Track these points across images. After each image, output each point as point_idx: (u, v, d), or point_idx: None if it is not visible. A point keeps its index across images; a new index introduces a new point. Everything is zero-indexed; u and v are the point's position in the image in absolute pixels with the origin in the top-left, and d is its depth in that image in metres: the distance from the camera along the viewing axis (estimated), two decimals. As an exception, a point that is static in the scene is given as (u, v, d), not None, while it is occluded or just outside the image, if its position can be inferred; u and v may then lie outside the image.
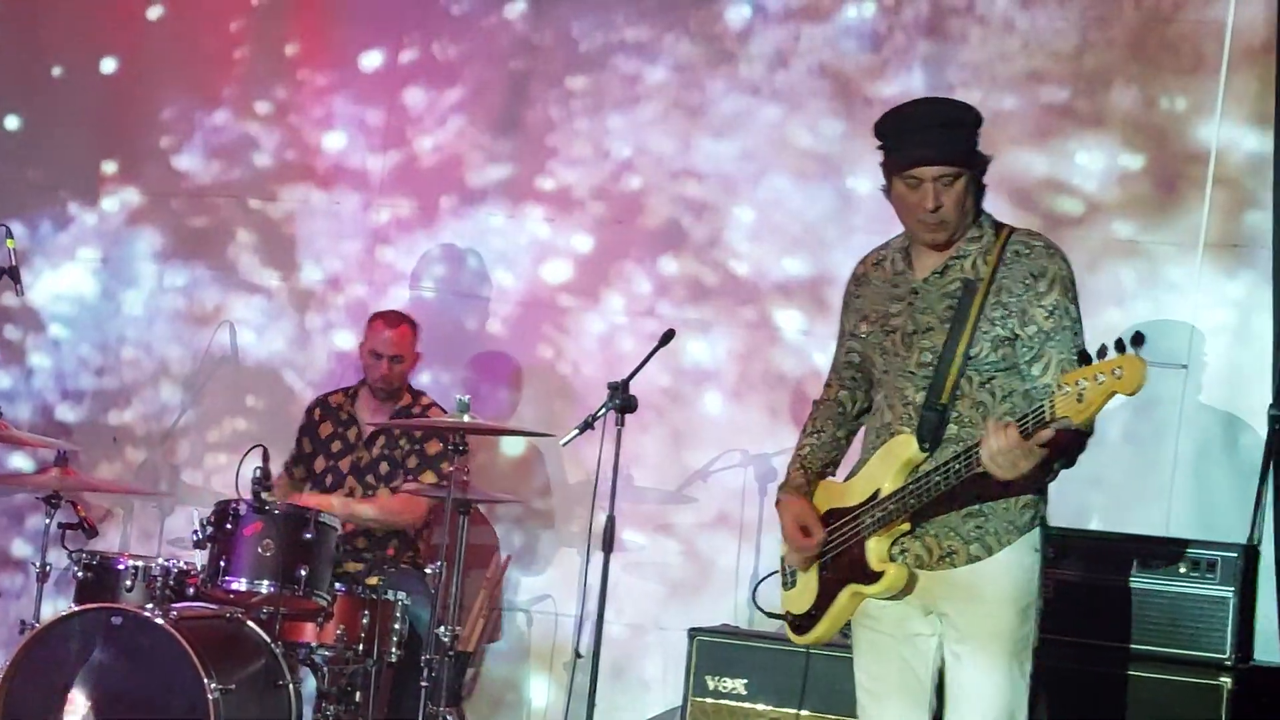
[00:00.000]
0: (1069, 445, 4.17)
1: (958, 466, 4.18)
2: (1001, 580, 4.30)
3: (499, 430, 7.15)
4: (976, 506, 4.30)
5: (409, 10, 7.63)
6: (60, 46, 8.13)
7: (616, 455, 5.92)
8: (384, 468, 6.96)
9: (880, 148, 4.40)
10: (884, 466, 4.36)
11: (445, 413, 6.99)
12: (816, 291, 6.90)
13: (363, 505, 6.82)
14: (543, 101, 7.40)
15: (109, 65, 8.08)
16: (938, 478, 4.21)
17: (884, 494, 4.32)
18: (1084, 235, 6.59)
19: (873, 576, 4.35)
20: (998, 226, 4.43)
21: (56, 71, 8.17)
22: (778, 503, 4.59)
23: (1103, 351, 3.90)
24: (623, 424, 5.95)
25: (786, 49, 7.05)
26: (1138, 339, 3.87)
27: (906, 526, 4.34)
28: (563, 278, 7.38)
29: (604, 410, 6.00)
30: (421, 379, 7.38)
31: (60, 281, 8.08)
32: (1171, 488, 6.41)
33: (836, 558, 4.45)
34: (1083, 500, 6.40)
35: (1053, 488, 6.31)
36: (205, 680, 5.83)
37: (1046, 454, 4.08)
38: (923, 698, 4.42)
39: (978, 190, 4.38)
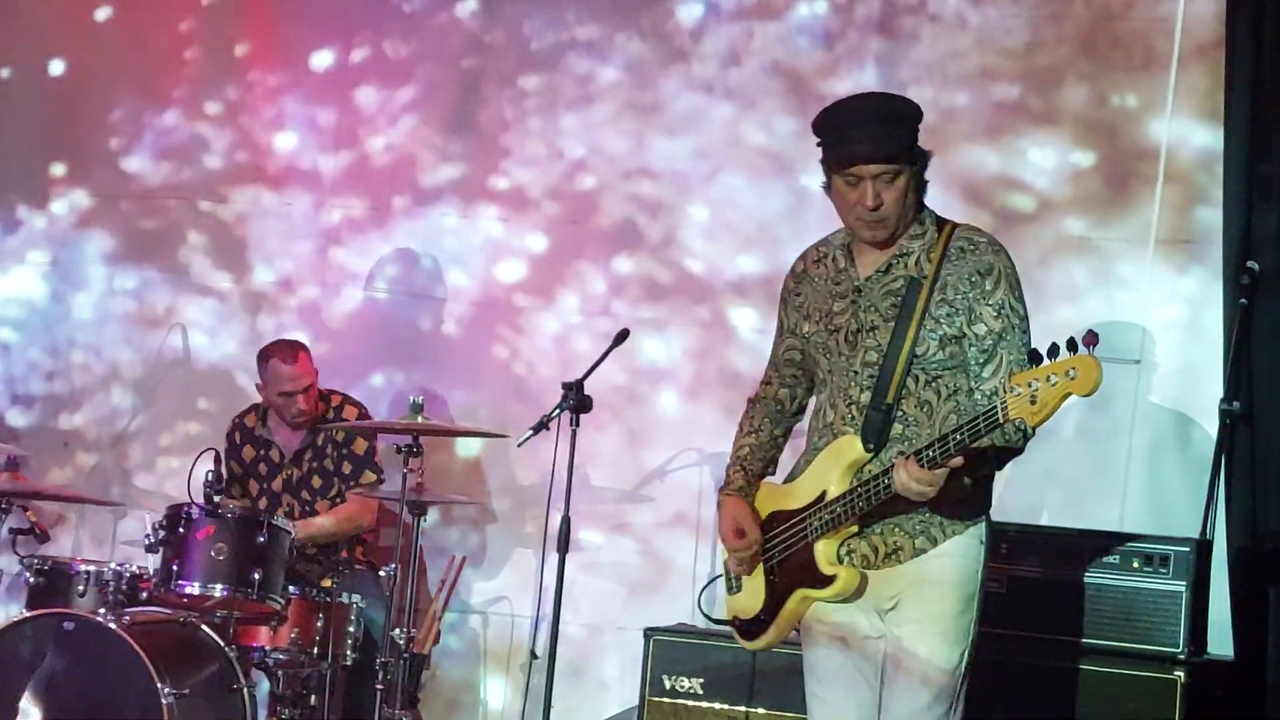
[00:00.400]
0: (999, 459, 4.23)
1: (886, 482, 4.17)
2: (946, 567, 4.28)
3: (453, 431, 7.13)
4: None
5: (360, 9, 7.60)
6: (8, 49, 8.07)
7: (571, 455, 5.90)
8: (317, 481, 6.92)
9: (819, 144, 4.34)
10: (829, 468, 4.32)
11: (359, 406, 6.96)
12: (771, 289, 6.83)
13: (318, 521, 6.77)
14: (495, 101, 7.39)
15: (57, 67, 8.02)
16: (887, 480, 4.18)
17: (831, 496, 4.29)
18: (1036, 232, 6.61)
19: (824, 580, 4.32)
20: (940, 223, 4.38)
21: (4, 74, 8.11)
22: (718, 504, 4.56)
23: (1054, 351, 3.87)
24: (578, 424, 5.93)
25: (739, 47, 7.05)
26: (1091, 338, 3.84)
27: (854, 528, 4.30)
28: (516, 277, 7.35)
29: (559, 410, 5.99)
30: (374, 381, 7.36)
31: (9, 285, 8.02)
32: (1125, 483, 6.43)
33: (783, 561, 4.41)
34: (1037, 496, 6.42)
35: (1007, 483, 6.36)
36: (159, 685, 5.81)
37: (960, 470, 4.08)
38: (872, 704, 4.37)
39: (919, 186, 4.33)
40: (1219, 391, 5.99)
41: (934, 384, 4.27)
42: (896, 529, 4.29)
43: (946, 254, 4.29)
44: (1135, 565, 5.51)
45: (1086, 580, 5.54)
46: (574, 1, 7.26)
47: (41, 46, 8.02)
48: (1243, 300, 5.91)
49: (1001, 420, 3.96)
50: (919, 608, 4.27)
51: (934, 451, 4.06)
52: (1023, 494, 6.40)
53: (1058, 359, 3.87)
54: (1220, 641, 5.82)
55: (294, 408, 6.87)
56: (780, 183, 6.96)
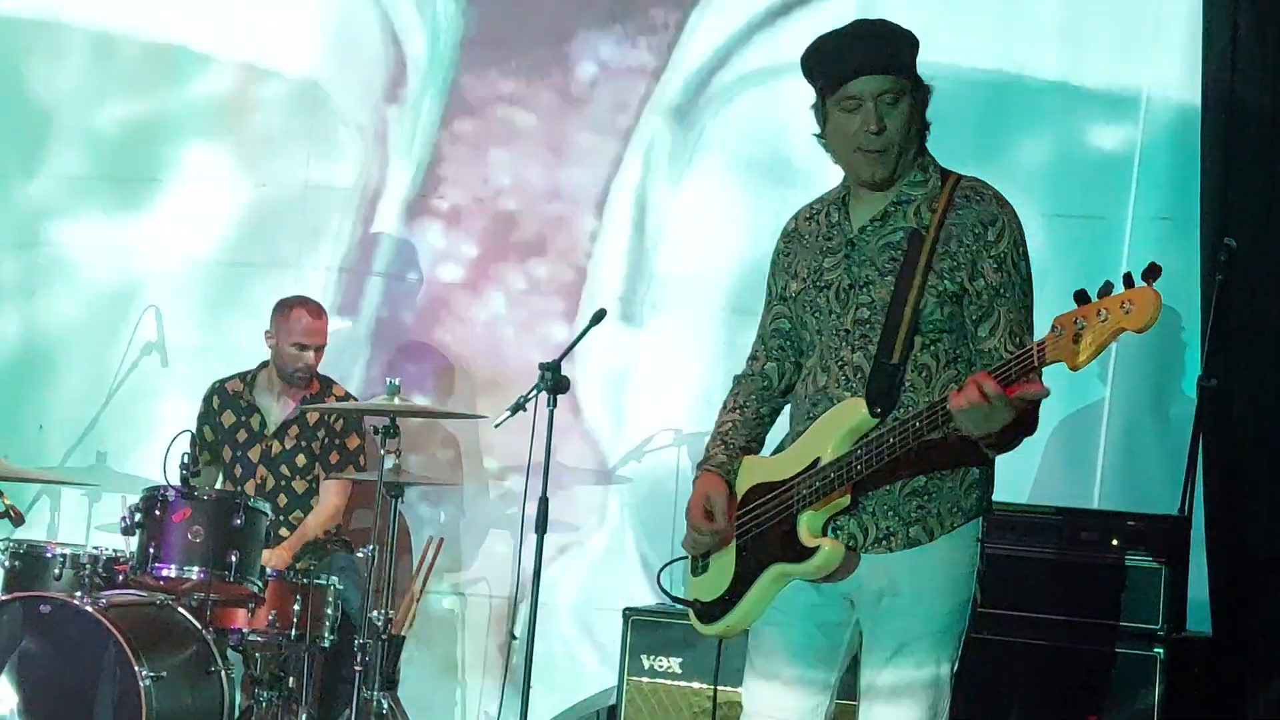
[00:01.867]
0: (1030, 413, 3.79)
1: (918, 425, 3.76)
2: (939, 576, 3.93)
3: (431, 413, 7.11)
4: (922, 482, 3.92)
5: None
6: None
7: (549, 436, 5.90)
8: (300, 460, 6.90)
9: (810, 79, 4.01)
10: (826, 433, 3.93)
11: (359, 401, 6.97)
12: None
13: (309, 527, 6.76)
14: (438, 140, 7.54)
15: None
16: (894, 439, 3.79)
17: (825, 462, 3.90)
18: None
19: (804, 553, 3.92)
20: (944, 173, 4.02)
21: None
22: (695, 479, 4.17)
23: (1106, 289, 3.55)
24: (554, 405, 5.94)
25: (627, 98, 7.27)
26: (1152, 271, 3.51)
27: (846, 500, 3.91)
28: (454, 277, 7.45)
29: (535, 391, 5.98)
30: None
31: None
32: (1103, 459, 6.44)
33: (759, 536, 4.02)
34: (1015, 473, 6.41)
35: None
36: (136, 668, 5.78)
37: (1019, 413, 3.70)
38: (825, 698, 4.04)
39: (921, 121, 3.99)
40: (1197, 367, 5.99)
41: (932, 347, 3.92)
42: (891, 513, 3.92)
43: (951, 202, 3.94)
44: (1114, 542, 5.50)
45: (1065, 558, 5.54)
46: (499, 62, 7.45)
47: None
48: (1220, 277, 5.91)
49: (1036, 363, 3.61)
50: (907, 620, 3.92)
51: (1012, 369, 3.65)
52: (1000, 471, 6.39)
53: (1111, 295, 3.54)
54: (1198, 618, 5.84)
55: (302, 362, 6.86)
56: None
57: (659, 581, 4.34)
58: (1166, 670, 5.32)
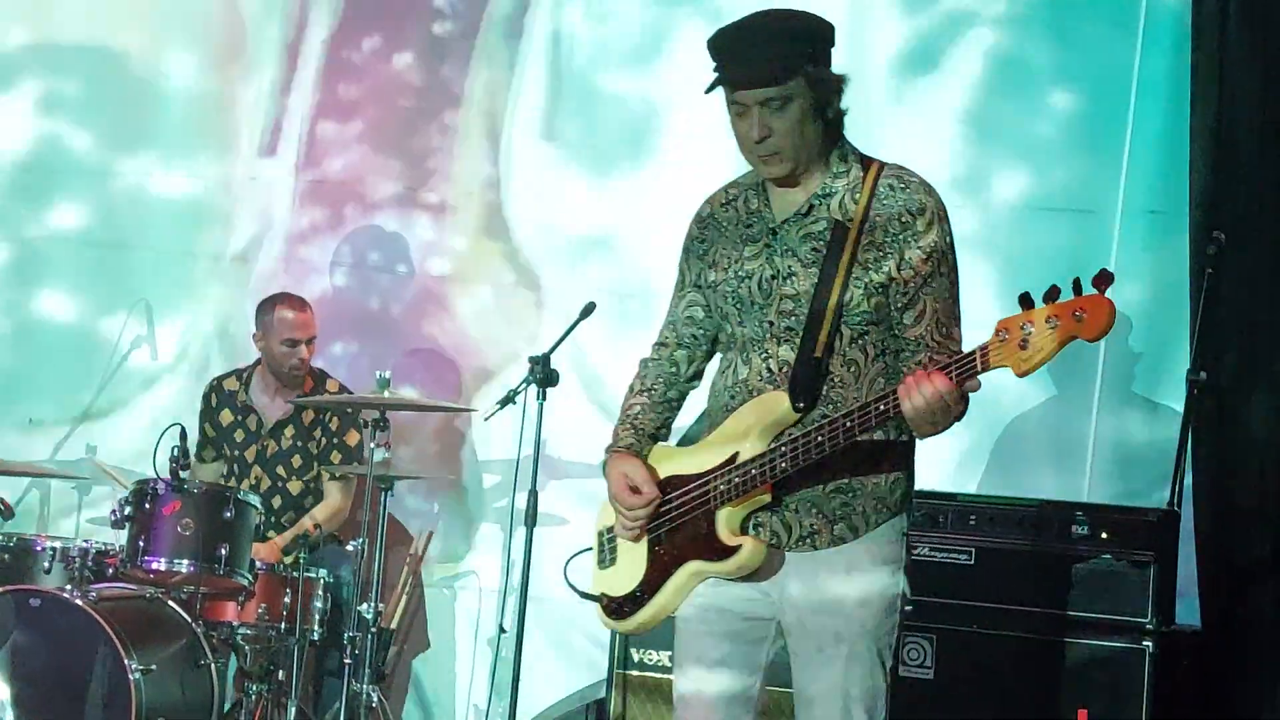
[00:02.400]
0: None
1: (849, 424, 3.66)
2: (867, 573, 3.82)
3: (421, 406, 7.11)
4: (845, 480, 3.81)
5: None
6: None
7: (538, 429, 5.91)
8: (296, 460, 6.88)
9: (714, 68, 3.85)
10: (745, 426, 3.81)
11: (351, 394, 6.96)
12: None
13: (309, 519, 6.75)
14: (424, 133, 7.54)
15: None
16: (822, 437, 3.68)
17: (744, 457, 3.78)
18: (1003, 200, 6.63)
19: (723, 552, 3.79)
20: (865, 161, 3.88)
21: None
22: (603, 464, 4.03)
23: (1054, 294, 3.44)
24: (544, 398, 5.94)
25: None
26: (1104, 278, 3.39)
27: (767, 497, 3.79)
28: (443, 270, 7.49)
29: (525, 384, 5.99)
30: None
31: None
32: (1092, 453, 6.45)
33: (673, 531, 3.89)
34: (1005, 467, 6.44)
35: (973, 455, 6.38)
36: (126, 661, 5.79)
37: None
38: (752, 694, 3.94)
39: (823, 115, 3.81)
40: (1186, 360, 6.00)
41: (860, 341, 3.80)
42: (814, 509, 3.80)
43: (875, 192, 3.80)
44: (1103, 536, 5.50)
45: (1054, 551, 5.53)
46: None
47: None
48: (1209, 270, 5.91)
49: (980, 368, 3.53)
50: (838, 619, 3.81)
51: (953, 370, 3.56)
52: (990, 465, 6.42)
53: (1059, 300, 3.43)
54: (1188, 612, 5.84)
55: (296, 358, 6.83)
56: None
57: (565, 575, 4.14)
58: (1156, 664, 5.32)
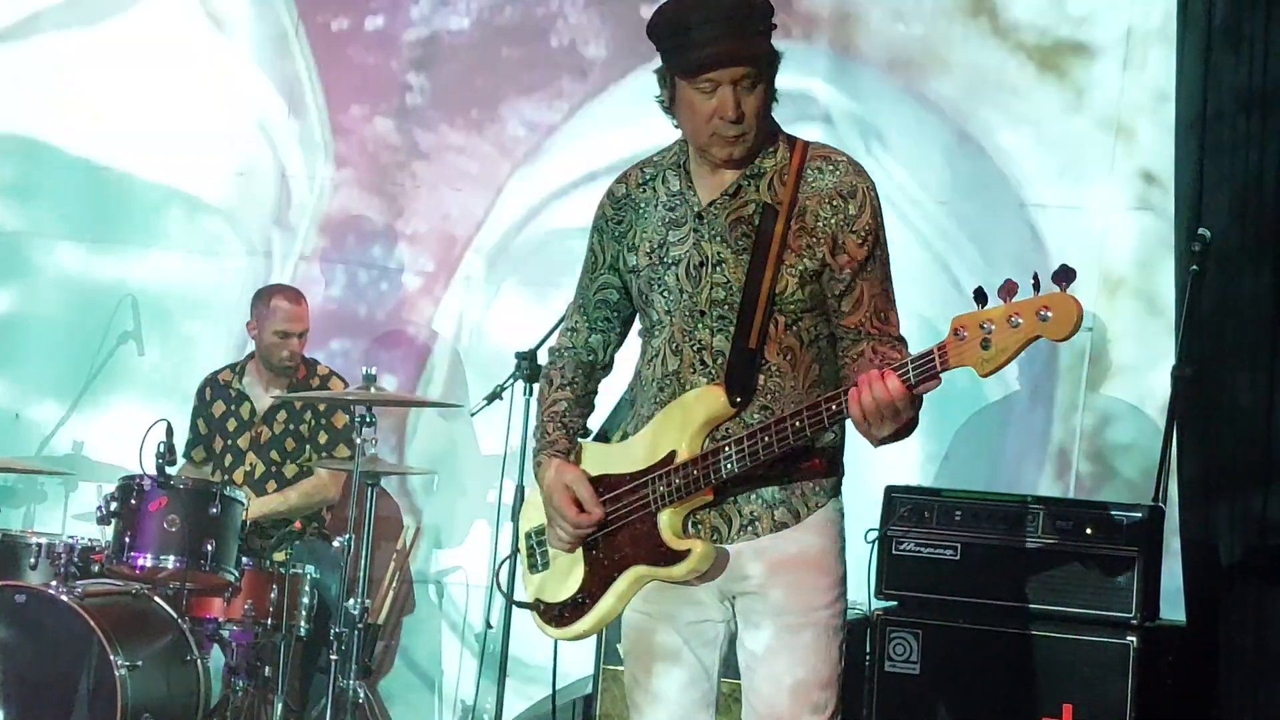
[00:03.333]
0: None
1: (799, 425, 3.54)
2: (811, 553, 3.72)
3: (408, 401, 7.11)
4: (781, 468, 3.68)
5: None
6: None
7: (525, 424, 5.91)
8: (290, 444, 6.89)
9: (660, 49, 3.71)
10: (680, 423, 3.67)
11: (344, 381, 6.95)
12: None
13: (279, 497, 6.75)
14: (399, 174, 7.59)
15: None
16: (770, 438, 3.57)
17: (684, 457, 3.65)
18: (988, 194, 6.64)
19: (671, 556, 3.66)
20: (790, 140, 3.76)
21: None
22: (537, 465, 3.88)
23: (1011, 290, 3.31)
24: (531, 393, 5.95)
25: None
26: (1064, 274, 3.27)
27: (709, 497, 3.67)
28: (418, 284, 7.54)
29: (512, 380, 5.99)
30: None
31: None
32: (1077, 448, 6.46)
33: (613, 536, 3.75)
34: (989, 462, 6.45)
35: (959, 450, 6.39)
36: (112, 657, 5.80)
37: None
38: (710, 693, 3.83)
39: (772, 97, 3.70)
40: (1171, 356, 6.01)
41: (794, 328, 3.68)
42: (754, 497, 3.70)
43: (802, 174, 3.68)
44: (1088, 531, 5.50)
45: (1039, 547, 5.54)
46: (446, 118, 7.49)
47: None
48: (1194, 266, 5.92)
49: (939, 368, 3.38)
50: (786, 602, 3.71)
51: (910, 372, 3.42)
52: (975, 461, 6.43)
53: (1017, 298, 3.30)
54: (1172, 607, 5.85)
55: (287, 349, 6.85)
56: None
57: (496, 582, 4.06)
58: (1140, 659, 5.33)
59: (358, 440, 6.11)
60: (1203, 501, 6.03)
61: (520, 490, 5.93)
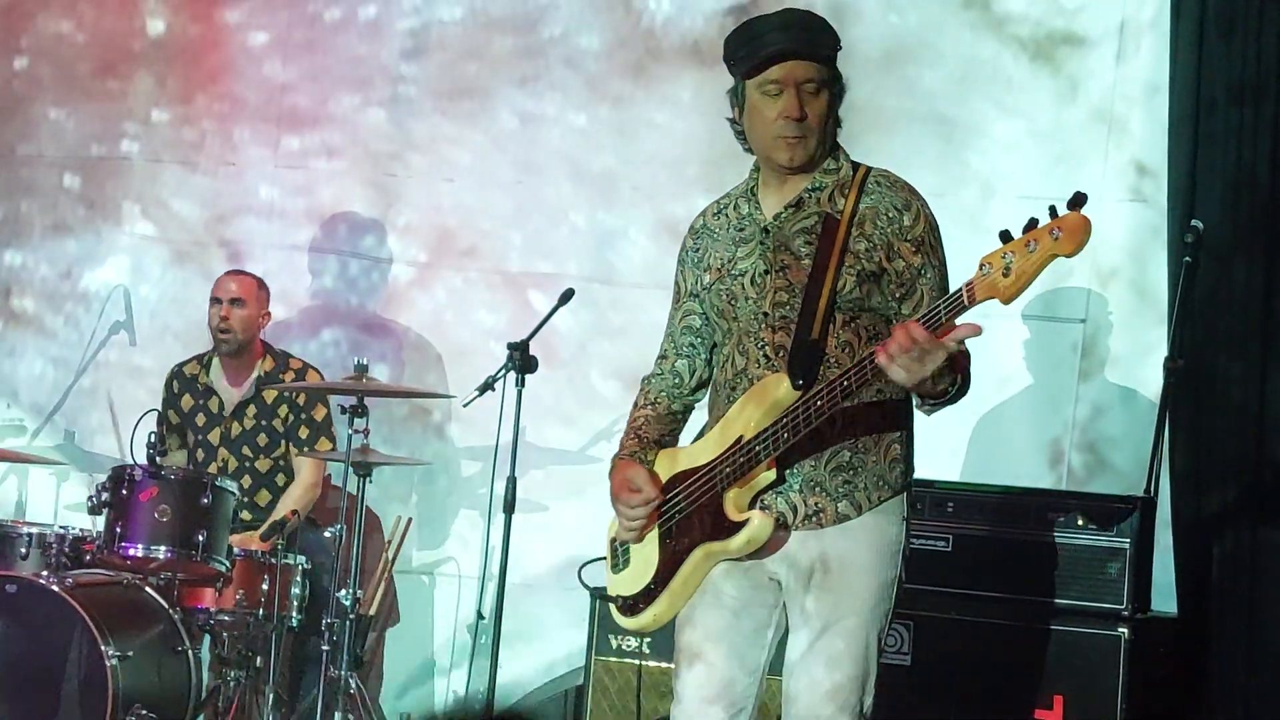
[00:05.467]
0: (962, 367, 3.81)
1: (846, 383, 3.75)
2: (866, 552, 3.93)
3: (399, 392, 7.10)
4: (846, 457, 3.92)
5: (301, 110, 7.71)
6: None
7: (517, 416, 5.92)
8: (262, 439, 6.86)
9: (730, 63, 4.01)
10: (748, 410, 3.90)
11: (321, 374, 6.93)
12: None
13: (282, 512, 6.73)
14: (390, 168, 7.54)
15: None
16: (820, 401, 3.77)
17: (748, 438, 3.87)
18: (977, 188, 6.65)
19: (732, 528, 3.88)
20: (854, 164, 4.04)
21: None
22: (611, 471, 4.12)
23: (1032, 224, 3.55)
24: (523, 384, 5.95)
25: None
26: (1077, 199, 3.53)
27: (772, 475, 3.88)
28: (409, 276, 7.53)
29: (504, 371, 5.99)
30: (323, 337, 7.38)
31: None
32: (1070, 440, 6.46)
33: (684, 522, 3.97)
34: (982, 454, 6.44)
35: (952, 440, 6.39)
36: (103, 647, 5.79)
37: (952, 358, 3.68)
38: (759, 669, 4.02)
39: (836, 114, 4.00)
40: (1164, 349, 6.01)
41: (853, 324, 3.93)
42: (818, 489, 3.92)
43: (864, 188, 3.96)
44: (1080, 523, 5.51)
45: (1031, 538, 5.54)
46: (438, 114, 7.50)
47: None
48: (1187, 259, 5.92)
49: (967, 303, 3.60)
50: (837, 595, 3.90)
51: (940, 312, 3.63)
52: (968, 451, 6.43)
53: (1038, 227, 3.55)
54: (1164, 598, 5.86)
55: (216, 318, 6.83)
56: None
57: (580, 576, 4.30)
58: (1131, 651, 5.33)
59: (349, 431, 6.10)
60: (1194, 493, 6.04)
61: (512, 481, 5.93)
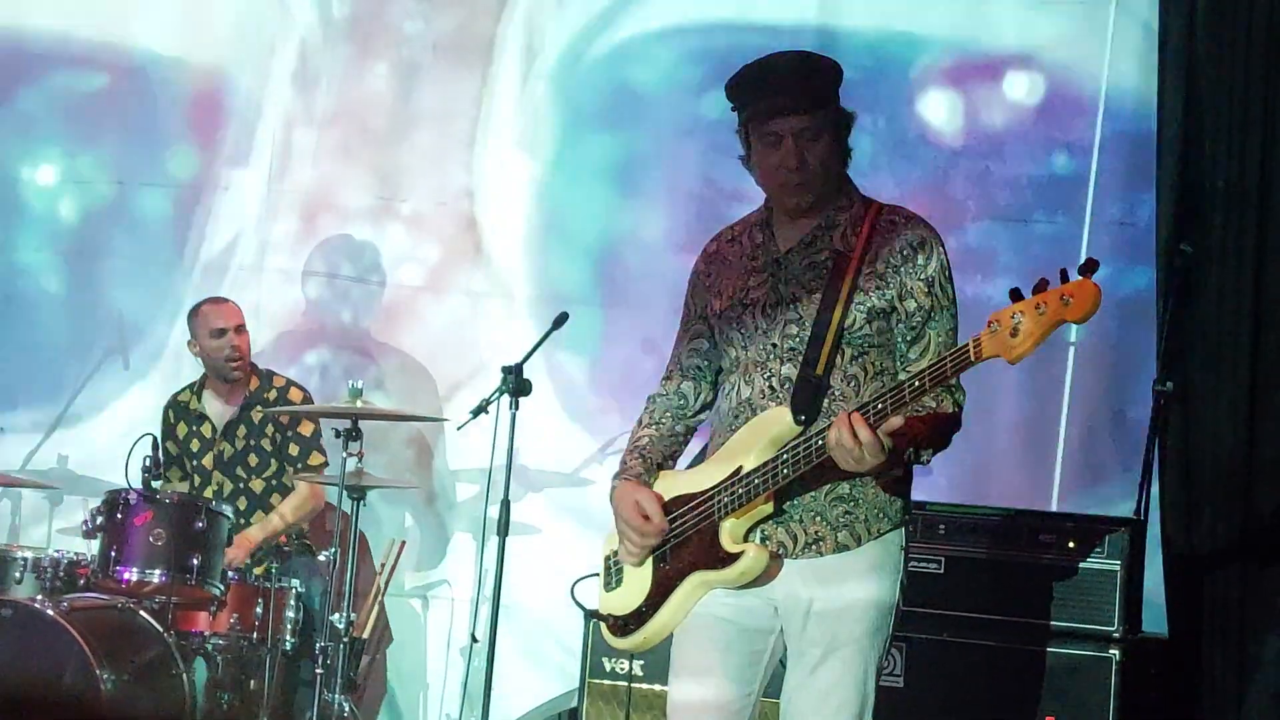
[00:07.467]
0: (939, 430, 3.89)
1: (808, 448, 3.81)
2: (866, 581, 3.93)
3: (394, 415, 7.11)
4: (846, 489, 3.91)
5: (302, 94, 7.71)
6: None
7: (511, 439, 5.93)
8: (253, 459, 6.85)
9: (734, 107, 4.03)
10: (749, 441, 3.92)
11: (304, 390, 6.94)
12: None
13: (275, 521, 6.74)
14: (397, 150, 7.57)
15: None
16: (819, 440, 3.78)
17: (746, 470, 3.88)
18: (968, 210, 6.67)
19: (726, 559, 3.89)
20: (866, 199, 4.05)
21: None
22: (612, 491, 4.11)
23: (1042, 286, 3.58)
24: (517, 407, 5.96)
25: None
26: (1089, 266, 3.57)
27: (769, 508, 3.89)
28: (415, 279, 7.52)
29: (498, 394, 6.00)
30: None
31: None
32: (1060, 463, 6.48)
33: (679, 547, 3.98)
34: (973, 476, 6.46)
35: (943, 463, 6.40)
36: (98, 671, 5.79)
37: (895, 445, 3.74)
38: (746, 704, 4.00)
39: (843, 152, 4.01)
40: (1153, 371, 6.04)
41: (860, 359, 3.93)
42: (818, 518, 3.92)
43: (876, 226, 3.96)
44: (1071, 545, 5.53)
45: (1022, 560, 5.56)
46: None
47: None
48: (1176, 281, 5.95)
49: (973, 359, 3.65)
50: (836, 625, 3.90)
51: (884, 404, 3.70)
52: (958, 474, 6.45)
53: (1048, 290, 3.57)
54: (1154, 620, 5.88)
55: (227, 348, 6.80)
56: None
57: (572, 594, 4.24)
58: (1122, 672, 5.36)
59: (344, 454, 6.11)
60: (1184, 514, 6.07)
61: (505, 504, 5.95)
